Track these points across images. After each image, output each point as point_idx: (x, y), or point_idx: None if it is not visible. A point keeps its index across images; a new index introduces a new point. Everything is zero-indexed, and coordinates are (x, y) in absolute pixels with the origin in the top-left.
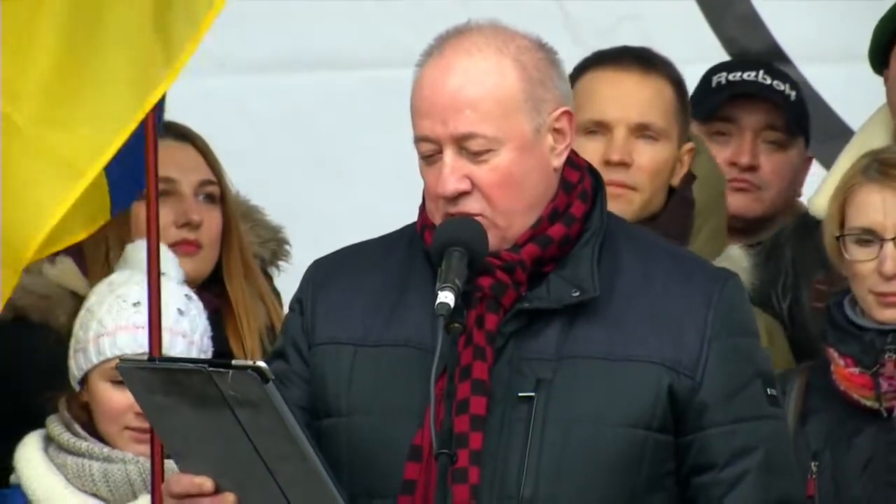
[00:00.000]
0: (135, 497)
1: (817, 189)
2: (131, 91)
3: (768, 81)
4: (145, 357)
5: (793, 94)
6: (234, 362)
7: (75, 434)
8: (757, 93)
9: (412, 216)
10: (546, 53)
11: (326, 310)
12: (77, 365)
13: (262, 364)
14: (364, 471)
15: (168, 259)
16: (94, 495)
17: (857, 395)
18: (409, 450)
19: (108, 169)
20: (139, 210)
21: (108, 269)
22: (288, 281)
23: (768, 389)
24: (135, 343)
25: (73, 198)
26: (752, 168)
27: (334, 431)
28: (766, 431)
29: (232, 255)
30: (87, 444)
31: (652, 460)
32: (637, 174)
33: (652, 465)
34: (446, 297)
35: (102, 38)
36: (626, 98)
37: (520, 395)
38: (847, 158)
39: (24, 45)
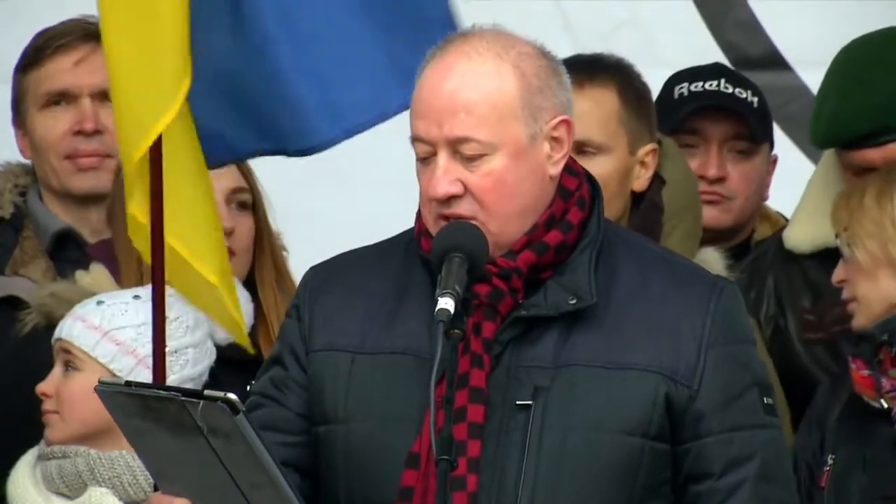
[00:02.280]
0: (85, 488)
1: (790, 225)
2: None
3: (730, 90)
4: (122, 382)
5: (755, 100)
6: (205, 393)
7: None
8: (721, 104)
9: (410, 222)
10: (548, 61)
11: (324, 316)
12: None
13: (232, 396)
14: (361, 478)
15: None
16: (60, 494)
17: (866, 398)
18: (406, 457)
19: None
20: None
21: (140, 277)
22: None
23: (765, 398)
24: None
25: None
26: (720, 180)
27: (331, 438)
28: (762, 440)
29: (264, 262)
30: (50, 448)
31: (649, 468)
32: None
33: (649, 474)
34: (446, 303)
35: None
36: None
37: (518, 402)
38: (811, 198)
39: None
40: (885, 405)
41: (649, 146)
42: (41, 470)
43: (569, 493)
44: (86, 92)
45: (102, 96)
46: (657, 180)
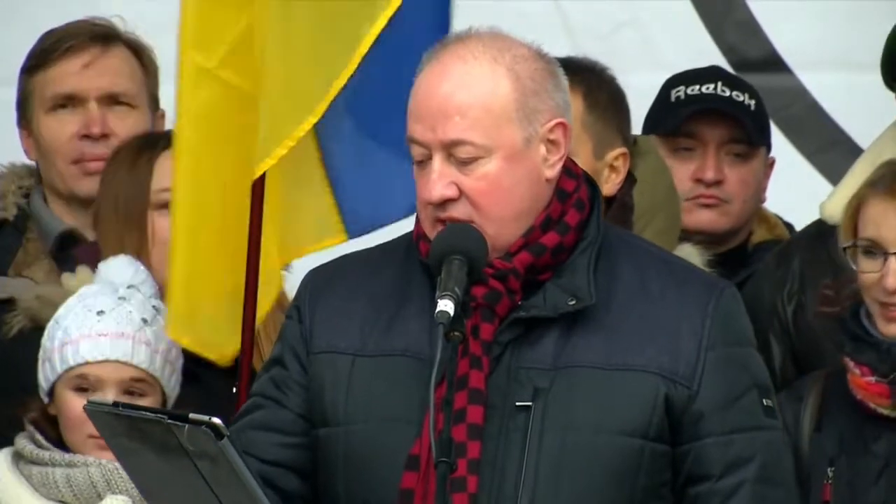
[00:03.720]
0: (100, 498)
1: (830, 195)
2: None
3: (727, 93)
4: (110, 402)
5: (752, 103)
6: (191, 416)
7: (39, 445)
8: (718, 108)
9: (411, 225)
10: (545, 63)
11: (324, 318)
12: (44, 376)
13: (217, 421)
14: (361, 480)
15: (141, 273)
16: (60, 502)
17: (873, 404)
18: (406, 459)
19: (338, 193)
20: (155, 219)
21: None
22: (288, 288)
23: (764, 400)
24: (97, 350)
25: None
26: (717, 183)
27: (331, 441)
28: (761, 442)
29: None
30: (50, 453)
31: (649, 470)
32: None
33: (649, 475)
34: (446, 305)
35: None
36: None
37: (517, 404)
38: (861, 168)
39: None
40: None
41: (619, 150)
42: (38, 476)
43: (569, 495)
44: (93, 95)
45: (109, 100)
46: (628, 180)
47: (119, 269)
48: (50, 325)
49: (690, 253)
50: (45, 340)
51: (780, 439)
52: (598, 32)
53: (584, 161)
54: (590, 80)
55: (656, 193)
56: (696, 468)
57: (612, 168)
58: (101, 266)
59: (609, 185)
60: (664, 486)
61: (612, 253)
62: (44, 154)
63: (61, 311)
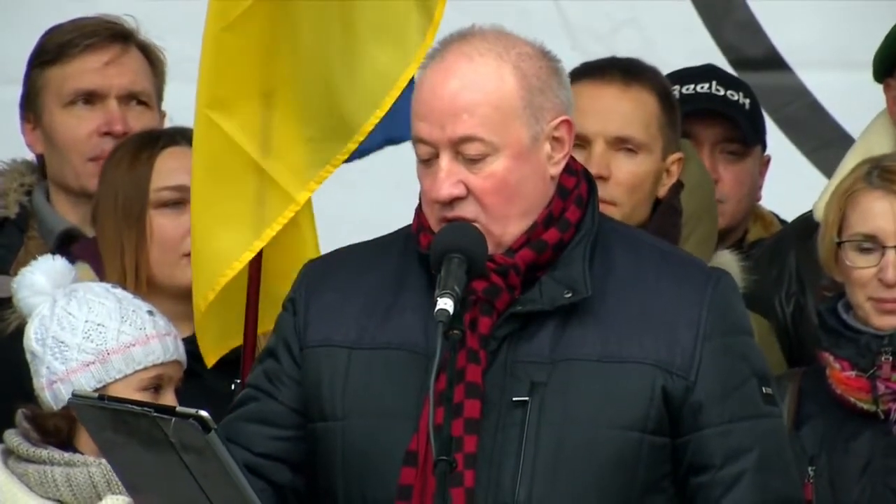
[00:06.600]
0: (99, 499)
1: (822, 194)
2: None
3: (722, 92)
4: (96, 395)
5: (746, 102)
6: (177, 409)
7: (34, 443)
8: (713, 108)
9: (410, 221)
10: (548, 61)
11: (319, 311)
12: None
13: (204, 413)
14: (359, 475)
15: (71, 269)
16: (58, 501)
17: (853, 399)
18: (404, 455)
19: None
20: (154, 218)
21: (122, 275)
22: None
23: (763, 388)
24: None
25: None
26: None
27: (329, 436)
28: (761, 430)
29: None
30: (48, 451)
31: (648, 462)
32: (614, 188)
33: (648, 468)
34: (445, 303)
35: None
36: (604, 111)
37: (514, 399)
38: (851, 164)
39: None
40: (880, 408)
41: (677, 154)
42: (35, 474)
43: (567, 489)
44: (114, 93)
45: (128, 98)
46: (675, 184)
47: (54, 271)
48: (54, 347)
49: (729, 260)
50: (54, 362)
51: (781, 427)
52: (598, 32)
53: (655, 160)
54: (661, 83)
55: (701, 200)
56: (696, 458)
57: (668, 172)
58: (37, 276)
59: (663, 188)
60: (664, 478)
61: (608, 245)
62: (56, 148)
63: (72, 337)
